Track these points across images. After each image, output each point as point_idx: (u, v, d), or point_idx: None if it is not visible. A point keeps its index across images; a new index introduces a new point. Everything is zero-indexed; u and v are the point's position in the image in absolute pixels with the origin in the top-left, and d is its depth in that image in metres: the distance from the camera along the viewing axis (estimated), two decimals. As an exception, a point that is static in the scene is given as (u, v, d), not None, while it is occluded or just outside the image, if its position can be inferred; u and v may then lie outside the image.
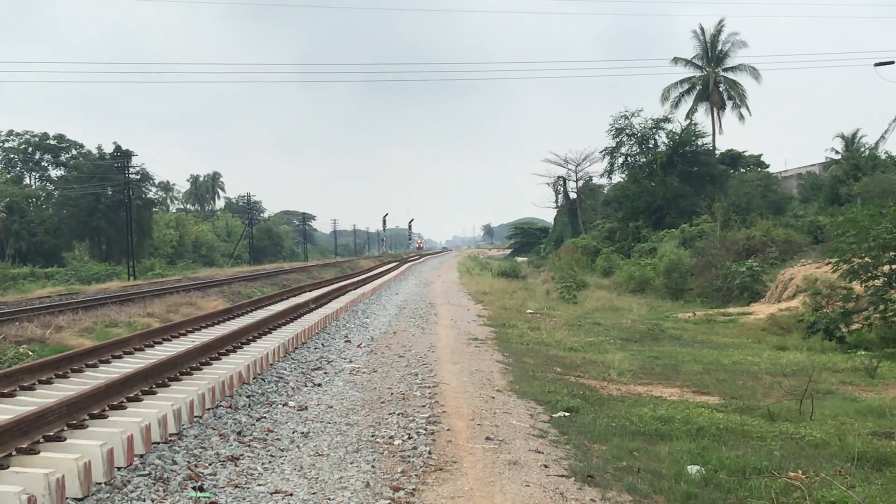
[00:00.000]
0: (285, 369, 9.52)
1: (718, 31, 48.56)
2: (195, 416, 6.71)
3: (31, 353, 10.80)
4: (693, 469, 5.41)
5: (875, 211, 14.49)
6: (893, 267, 13.27)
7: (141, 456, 5.50)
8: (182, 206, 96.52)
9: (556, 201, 62.06)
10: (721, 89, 49.25)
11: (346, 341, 12.67)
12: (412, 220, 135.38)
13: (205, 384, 7.27)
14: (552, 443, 6.31)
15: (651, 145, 44.85)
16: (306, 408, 7.47)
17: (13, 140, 57.33)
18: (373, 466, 5.50)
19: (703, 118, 48.91)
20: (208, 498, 4.75)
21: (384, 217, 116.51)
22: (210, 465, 5.47)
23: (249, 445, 6.03)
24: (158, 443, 5.85)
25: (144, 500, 4.71)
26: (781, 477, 5.21)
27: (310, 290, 22.33)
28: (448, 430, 6.62)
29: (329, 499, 4.80)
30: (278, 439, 6.25)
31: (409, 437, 6.30)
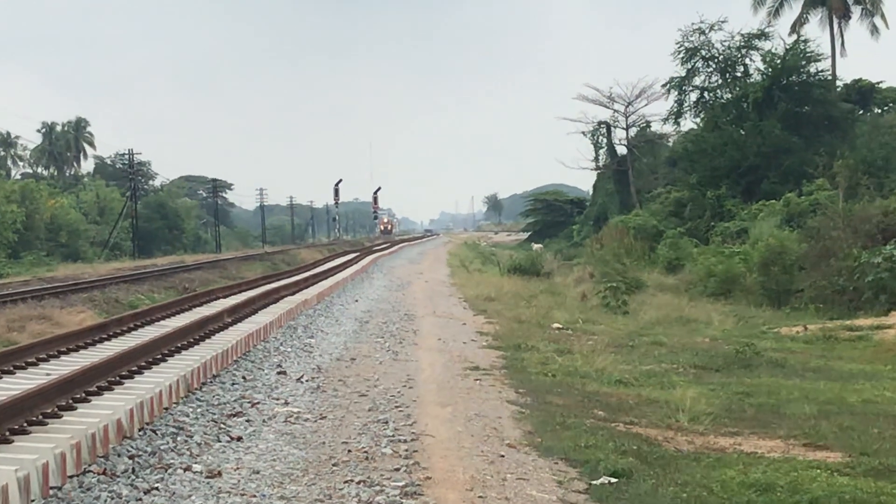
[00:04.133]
0: (188, 415, 9.52)
1: None
2: (51, 487, 6.69)
3: None
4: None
5: None
6: None
7: (-32, 549, 5.49)
8: (30, 170, 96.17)
9: (597, 160, 62.29)
10: (845, -11, 49.40)
11: (279, 373, 12.69)
12: (378, 189, 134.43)
13: (65, 439, 7.24)
14: (592, 523, 6.35)
15: (739, 74, 45.01)
16: (219, 473, 7.48)
17: None
18: (321, 561, 5.51)
19: (817, 32, 49.21)
20: None
21: (336, 186, 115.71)
22: (74, 561, 5.46)
23: (134, 531, 6.03)
24: (-5, 528, 5.85)
25: None
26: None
27: (224, 297, 22.38)
28: (435, 505, 6.63)
29: None
30: (178, 522, 6.25)
31: (377, 517, 6.31)
